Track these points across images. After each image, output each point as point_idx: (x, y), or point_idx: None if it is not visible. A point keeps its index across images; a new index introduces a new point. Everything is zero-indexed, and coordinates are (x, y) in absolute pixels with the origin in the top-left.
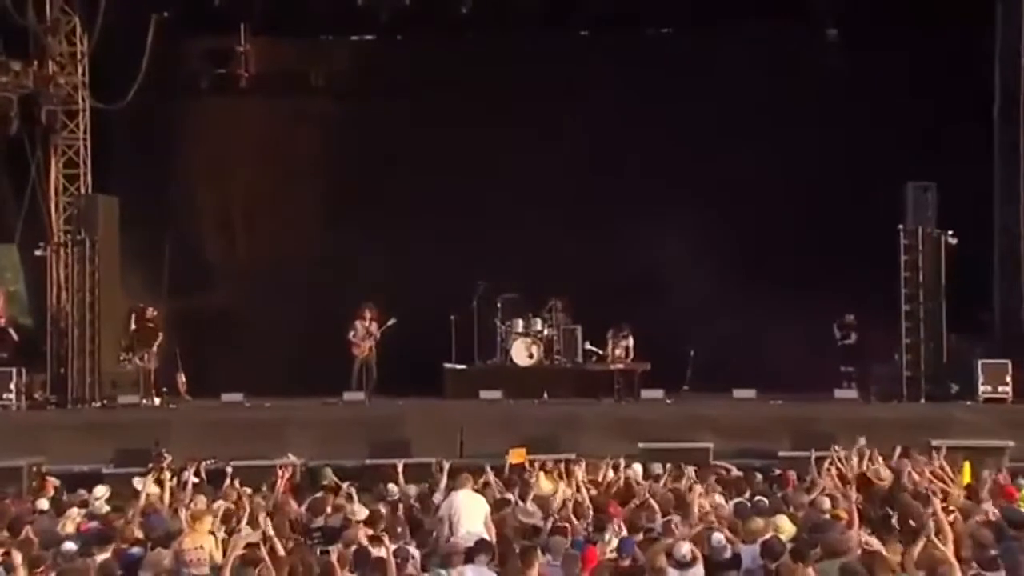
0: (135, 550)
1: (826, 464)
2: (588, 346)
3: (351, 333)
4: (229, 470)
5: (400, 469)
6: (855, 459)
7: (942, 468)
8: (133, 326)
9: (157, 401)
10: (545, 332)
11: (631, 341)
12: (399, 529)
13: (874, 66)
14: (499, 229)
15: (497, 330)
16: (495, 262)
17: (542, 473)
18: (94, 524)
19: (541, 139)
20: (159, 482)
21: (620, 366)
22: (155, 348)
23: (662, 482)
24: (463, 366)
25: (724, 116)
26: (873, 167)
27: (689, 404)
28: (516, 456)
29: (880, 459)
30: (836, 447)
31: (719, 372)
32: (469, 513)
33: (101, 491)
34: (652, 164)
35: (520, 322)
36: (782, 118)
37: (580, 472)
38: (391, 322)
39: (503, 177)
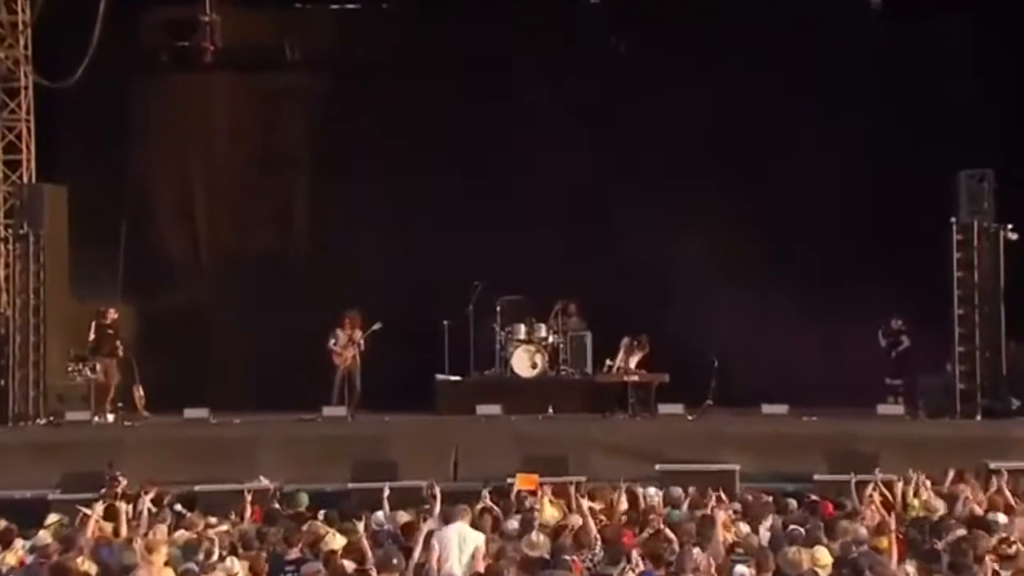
0: None
1: (868, 490)
2: (610, 364)
3: (331, 341)
4: (193, 496)
5: (386, 494)
6: (900, 484)
7: (1001, 494)
8: (93, 334)
9: (111, 418)
10: (550, 339)
11: (647, 350)
12: (387, 561)
13: (922, 38)
14: (500, 223)
15: (496, 337)
16: (495, 260)
17: (547, 499)
18: (38, 558)
19: (548, 120)
20: (112, 510)
21: (635, 378)
22: (114, 358)
23: (684, 508)
24: (457, 378)
25: (749, 101)
26: (920, 153)
27: (713, 421)
28: (525, 482)
29: (930, 484)
30: (879, 470)
31: (747, 385)
32: (455, 551)
33: (53, 519)
34: (673, 154)
35: (522, 328)
36: (814, 101)
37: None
38: (376, 326)
39: (505, 163)
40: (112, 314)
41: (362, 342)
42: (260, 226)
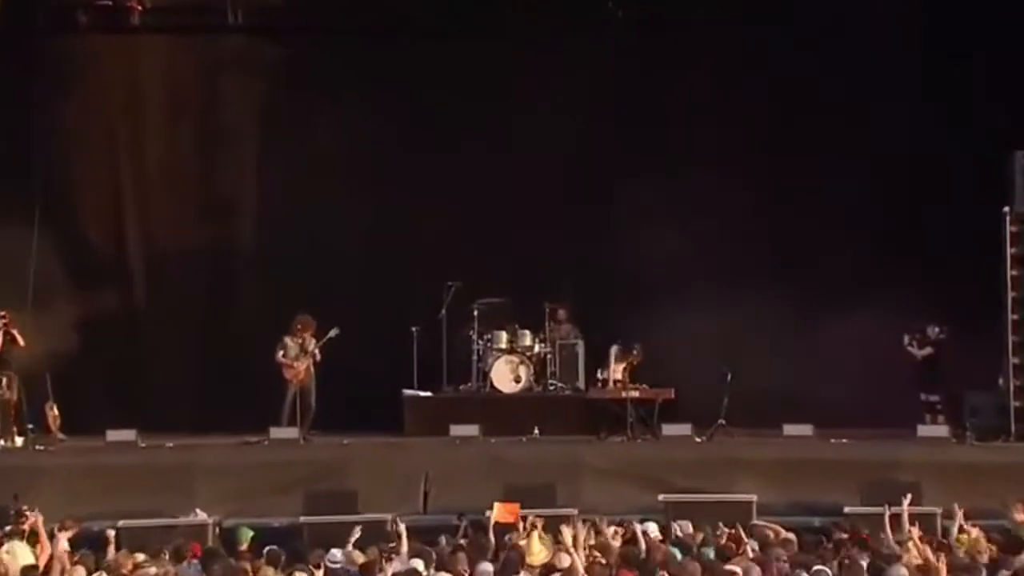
0: None
1: (907, 526)
2: (604, 377)
3: (279, 352)
4: (114, 532)
5: (355, 536)
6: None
7: None
8: None
9: (19, 441)
10: (536, 348)
11: (639, 359)
12: None
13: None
14: (478, 213)
15: (473, 346)
16: (472, 256)
17: (536, 533)
18: None
19: (540, 95)
20: (20, 548)
21: (635, 393)
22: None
23: (696, 545)
24: (428, 393)
25: (767, 78)
26: (967, 132)
27: (726, 443)
28: (504, 513)
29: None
30: (909, 500)
31: (765, 401)
32: None
33: None
34: (678, 139)
35: (503, 335)
36: (838, 75)
37: (582, 533)
38: (333, 333)
39: (487, 147)
40: (5, 323)
41: (317, 352)
42: (198, 218)
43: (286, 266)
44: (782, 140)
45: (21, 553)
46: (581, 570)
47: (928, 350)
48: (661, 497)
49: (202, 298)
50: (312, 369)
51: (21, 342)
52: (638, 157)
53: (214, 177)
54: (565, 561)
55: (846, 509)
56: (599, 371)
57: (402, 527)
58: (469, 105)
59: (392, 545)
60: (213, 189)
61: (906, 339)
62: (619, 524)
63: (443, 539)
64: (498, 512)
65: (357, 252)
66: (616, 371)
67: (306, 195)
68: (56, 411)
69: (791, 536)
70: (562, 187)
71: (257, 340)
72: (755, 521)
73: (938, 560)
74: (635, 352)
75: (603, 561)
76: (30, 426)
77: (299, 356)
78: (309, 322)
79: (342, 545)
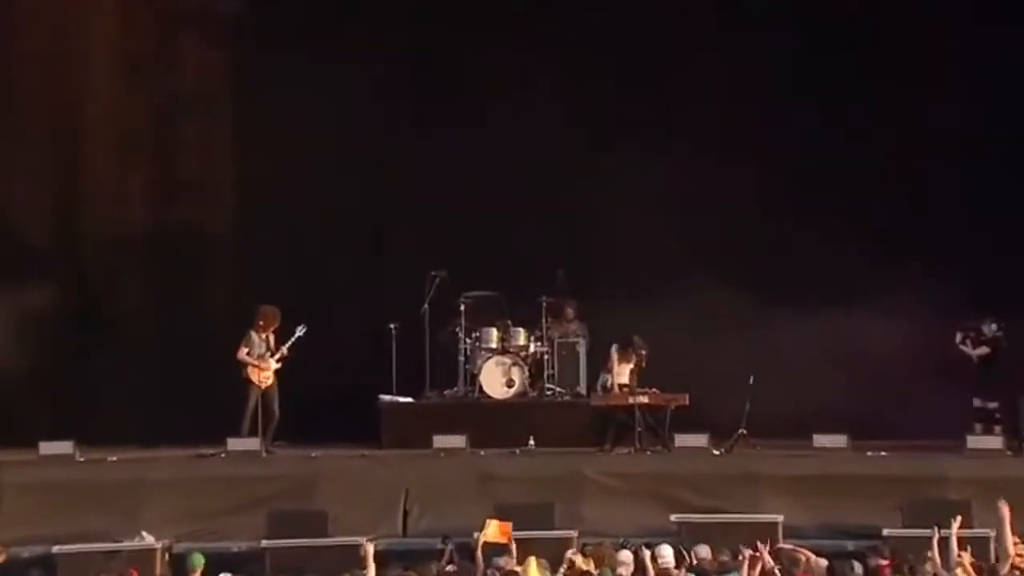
0: None
1: (956, 551)
2: (607, 380)
3: (244, 349)
4: (51, 558)
5: (317, 556)
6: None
7: None
8: None
9: None
10: (532, 348)
11: (642, 356)
12: None
13: None
14: (467, 193)
15: (460, 345)
16: (460, 243)
17: (533, 560)
18: None
19: (540, 56)
20: None
21: (644, 399)
22: None
23: (715, 572)
24: (408, 399)
25: (795, 53)
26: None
27: (748, 456)
28: (496, 532)
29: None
30: (957, 523)
31: (791, 408)
32: None
33: None
34: (690, 113)
35: (494, 333)
36: (886, 40)
37: (579, 558)
38: (299, 331)
39: (478, 116)
40: None
41: (285, 350)
42: (145, 195)
43: (245, 253)
44: (820, 119)
45: None
46: None
47: (984, 349)
48: (674, 517)
49: (153, 287)
50: (276, 372)
51: None
52: (641, 123)
53: (165, 150)
54: None
55: (885, 531)
56: (601, 377)
57: (370, 548)
58: (462, 76)
59: (363, 573)
60: (164, 163)
61: (959, 337)
62: (626, 547)
63: (433, 567)
64: (491, 531)
65: (326, 236)
66: (621, 373)
67: (268, 173)
68: None
69: (823, 562)
70: (559, 165)
71: (213, 338)
72: (782, 544)
73: None
74: (640, 350)
75: None
76: None
77: (265, 355)
78: (275, 315)
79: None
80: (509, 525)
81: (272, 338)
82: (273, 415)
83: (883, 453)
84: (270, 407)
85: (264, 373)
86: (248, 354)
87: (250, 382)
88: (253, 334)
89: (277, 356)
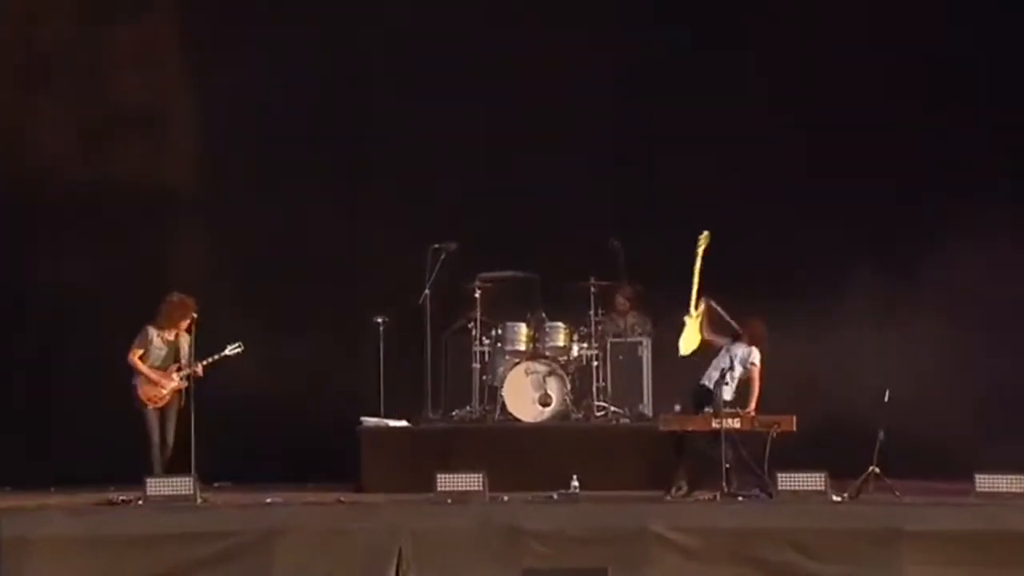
0: None
1: None
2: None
3: (138, 351)
4: None
5: None
6: None
7: None
8: None
9: None
10: (576, 351)
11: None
12: None
13: None
14: (480, 151)
15: (474, 346)
16: (473, 210)
17: None
18: None
19: (560, 15)
20: None
21: (734, 423)
22: None
23: None
24: (401, 423)
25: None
26: None
27: (883, 505)
28: None
29: None
30: None
31: (940, 439)
32: None
33: None
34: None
35: (522, 330)
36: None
37: None
38: (230, 350)
39: (489, 59)
40: None
41: (200, 367)
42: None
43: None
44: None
45: None
46: None
47: None
48: None
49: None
50: (183, 389)
51: None
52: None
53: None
54: None
55: None
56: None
57: None
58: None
59: None
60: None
61: None
62: None
63: None
64: None
65: (301, 218)
66: None
67: (237, 139)
68: None
69: None
70: (611, 117)
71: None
72: None
73: None
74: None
75: None
76: None
77: (168, 365)
78: (185, 306)
79: None
80: None
81: (184, 341)
82: (167, 444)
83: None
84: (166, 434)
85: (158, 390)
86: (142, 358)
87: (137, 399)
88: (151, 331)
89: (183, 372)
